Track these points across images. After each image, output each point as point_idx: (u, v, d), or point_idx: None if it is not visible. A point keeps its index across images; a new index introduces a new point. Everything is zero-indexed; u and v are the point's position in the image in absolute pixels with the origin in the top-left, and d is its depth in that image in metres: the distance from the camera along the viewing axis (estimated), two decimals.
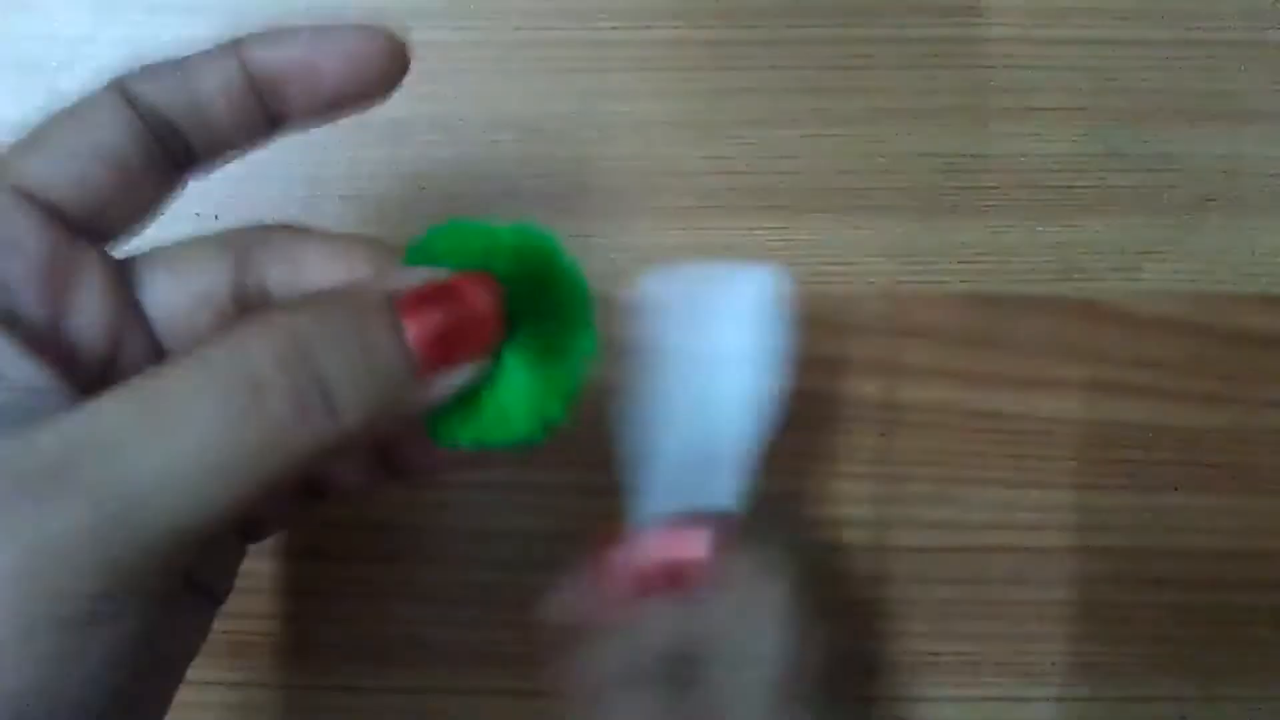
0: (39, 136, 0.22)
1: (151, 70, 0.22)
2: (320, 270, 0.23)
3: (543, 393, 0.22)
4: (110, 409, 0.18)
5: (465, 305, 0.21)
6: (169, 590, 0.19)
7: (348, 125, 0.34)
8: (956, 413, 0.34)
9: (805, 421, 0.34)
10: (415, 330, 0.20)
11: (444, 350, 0.20)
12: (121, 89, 0.22)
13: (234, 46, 0.23)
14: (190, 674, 0.24)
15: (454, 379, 0.21)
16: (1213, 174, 0.34)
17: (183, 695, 0.24)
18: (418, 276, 0.21)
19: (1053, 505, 0.34)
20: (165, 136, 0.22)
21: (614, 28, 0.34)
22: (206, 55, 0.23)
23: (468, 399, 0.21)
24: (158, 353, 0.22)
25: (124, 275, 0.22)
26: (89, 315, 0.21)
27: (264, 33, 0.23)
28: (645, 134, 0.34)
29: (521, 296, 0.22)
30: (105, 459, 0.18)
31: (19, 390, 0.19)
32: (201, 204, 0.33)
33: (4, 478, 0.17)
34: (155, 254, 0.23)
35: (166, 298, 0.22)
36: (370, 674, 0.33)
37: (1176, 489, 0.34)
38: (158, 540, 0.18)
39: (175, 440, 0.18)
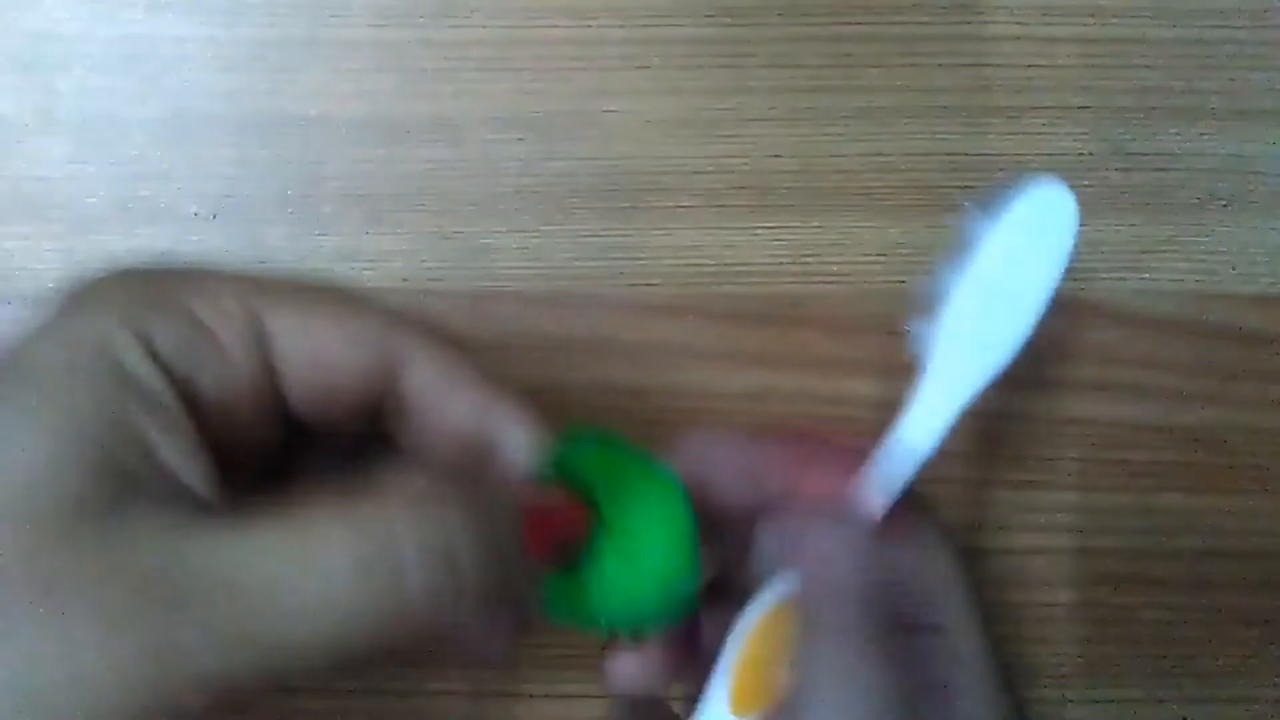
0: (299, 289, 0.23)
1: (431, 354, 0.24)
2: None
3: (654, 588, 0.25)
4: (255, 535, 0.19)
5: (566, 520, 0.24)
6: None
7: (348, 125, 0.34)
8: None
9: (806, 423, 0.34)
10: (532, 538, 0.22)
11: (547, 552, 0.23)
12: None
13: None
14: None
15: (544, 569, 0.24)
16: (1215, 173, 0.34)
17: None
18: (538, 493, 0.24)
19: (1054, 506, 0.34)
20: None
21: (614, 26, 0.34)
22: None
23: (584, 586, 0.25)
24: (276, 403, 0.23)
25: (264, 343, 0.22)
26: (261, 434, 0.23)
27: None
28: (645, 133, 0.34)
29: (628, 515, 0.25)
30: (243, 585, 0.19)
31: (164, 469, 0.20)
32: (200, 203, 0.33)
33: (142, 583, 0.18)
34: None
35: (292, 359, 0.22)
36: (360, 676, 0.33)
37: (1177, 490, 0.34)
38: (262, 671, 0.19)
39: (311, 584, 0.19)
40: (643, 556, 0.25)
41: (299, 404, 0.23)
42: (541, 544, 0.23)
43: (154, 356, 0.20)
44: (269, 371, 0.22)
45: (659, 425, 0.34)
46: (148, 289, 0.21)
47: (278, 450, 0.24)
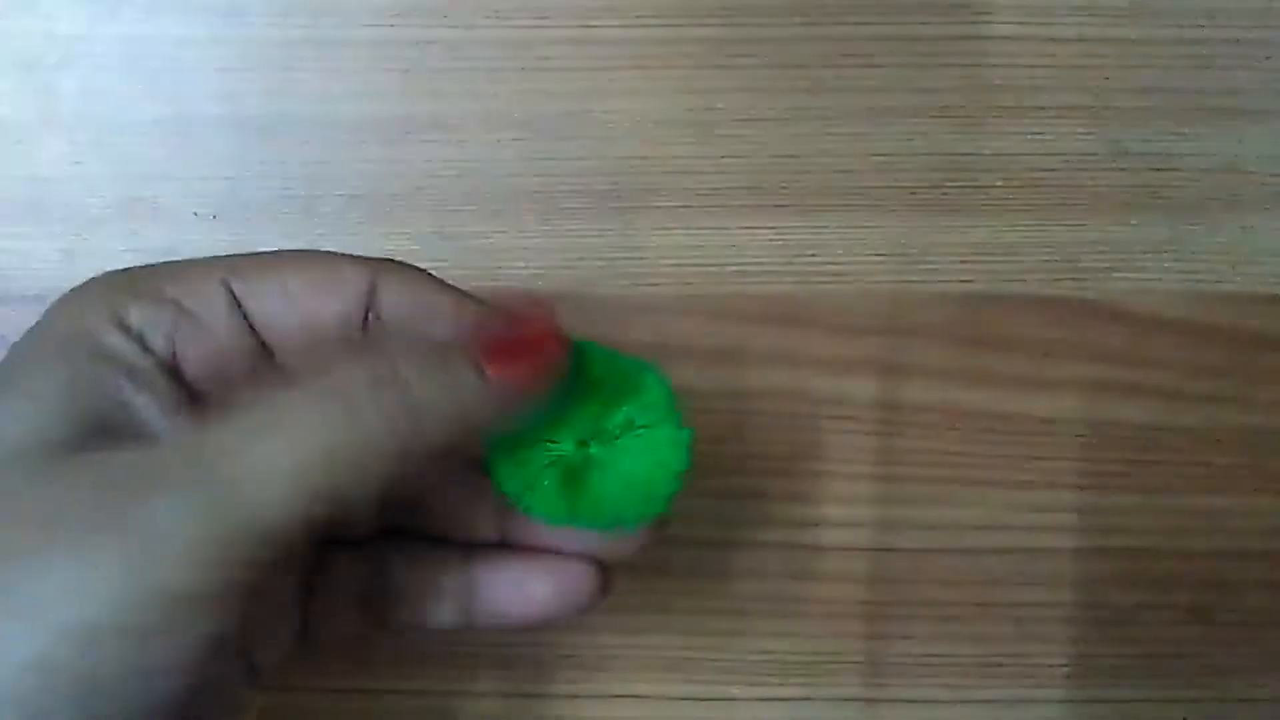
0: (272, 256, 0.25)
1: (407, 283, 0.25)
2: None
3: (637, 489, 0.24)
4: (218, 424, 0.20)
5: (532, 329, 0.23)
6: (246, 613, 0.20)
7: (348, 125, 0.34)
8: (957, 413, 0.34)
9: (805, 423, 0.34)
10: (484, 341, 0.22)
11: (514, 362, 0.23)
12: (373, 283, 0.25)
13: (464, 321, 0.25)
14: None
15: (524, 397, 0.23)
16: (1214, 173, 0.34)
17: None
18: (491, 313, 0.24)
19: (1054, 506, 0.34)
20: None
21: (614, 26, 0.34)
22: (455, 309, 0.25)
23: (571, 485, 0.24)
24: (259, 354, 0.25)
25: (237, 300, 0.24)
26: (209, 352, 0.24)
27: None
28: (645, 133, 0.34)
29: (619, 406, 0.25)
30: (210, 459, 0.20)
31: (146, 425, 0.22)
32: (200, 204, 0.33)
33: (124, 482, 0.20)
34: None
35: (277, 320, 0.24)
36: (362, 676, 0.33)
37: (1178, 490, 0.34)
38: (252, 535, 0.19)
39: (275, 441, 0.20)
40: (639, 454, 0.25)
41: (291, 358, 0.24)
42: (513, 367, 0.23)
43: (128, 331, 0.23)
44: (251, 334, 0.24)
45: None
46: (128, 284, 0.23)
47: None
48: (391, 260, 0.25)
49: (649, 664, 0.34)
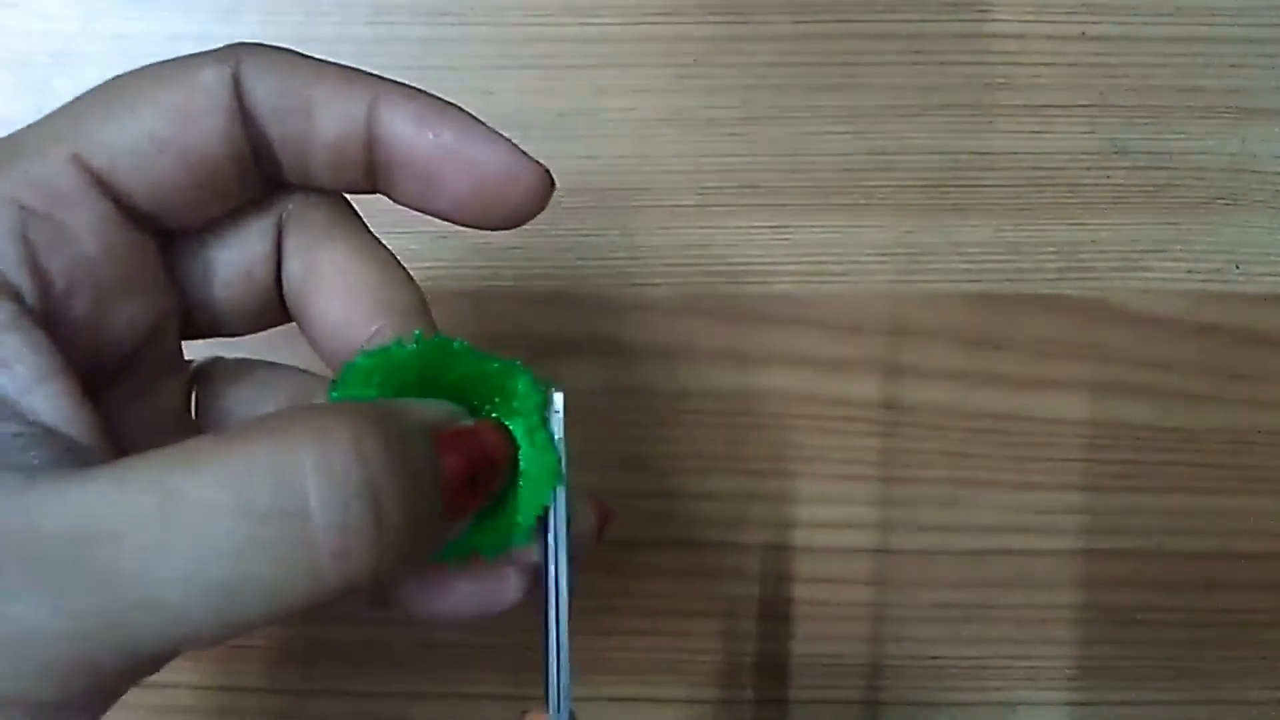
0: (119, 102, 0.18)
1: (275, 66, 0.19)
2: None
3: (527, 499, 0.21)
4: (124, 498, 0.15)
5: (491, 454, 0.19)
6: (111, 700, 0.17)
7: None
8: (960, 414, 0.34)
9: (806, 423, 0.34)
10: (449, 475, 0.18)
11: (469, 496, 0.19)
12: (235, 77, 0.19)
13: (372, 92, 0.20)
14: (181, 678, 0.24)
15: (465, 522, 0.19)
16: (1219, 172, 0.34)
17: (175, 699, 0.23)
18: (448, 415, 0.19)
19: (1057, 507, 0.34)
20: (261, 153, 0.20)
21: (613, 24, 0.34)
22: (339, 86, 0.19)
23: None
24: (185, 327, 0.20)
25: (100, 179, 0.19)
26: (131, 316, 0.19)
27: (407, 93, 0.20)
28: (644, 131, 0.34)
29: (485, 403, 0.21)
30: (97, 558, 0.15)
31: (36, 431, 0.17)
32: None
33: None
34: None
35: (205, 273, 0.20)
36: (362, 677, 0.33)
37: (1178, 490, 0.34)
38: (128, 658, 0.16)
39: (182, 554, 0.15)
40: (535, 465, 0.21)
41: (172, 218, 0.20)
42: (476, 485, 0.19)
43: None
44: (120, 216, 0.19)
45: (659, 425, 0.33)
46: None
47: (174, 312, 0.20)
48: (251, 47, 0.20)
49: (648, 665, 0.34)
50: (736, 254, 0.34)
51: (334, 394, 0.19)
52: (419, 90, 0.20)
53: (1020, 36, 0.34)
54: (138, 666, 0.16)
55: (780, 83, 0.34)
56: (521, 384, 0.21)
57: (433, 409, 0.19)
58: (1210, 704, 0.34)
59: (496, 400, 0.21)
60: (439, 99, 0.20)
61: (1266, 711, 0.34)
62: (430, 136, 0.20)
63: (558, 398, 0.21)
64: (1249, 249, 0.34)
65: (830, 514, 0.34)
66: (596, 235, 0.33)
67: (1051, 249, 0.34)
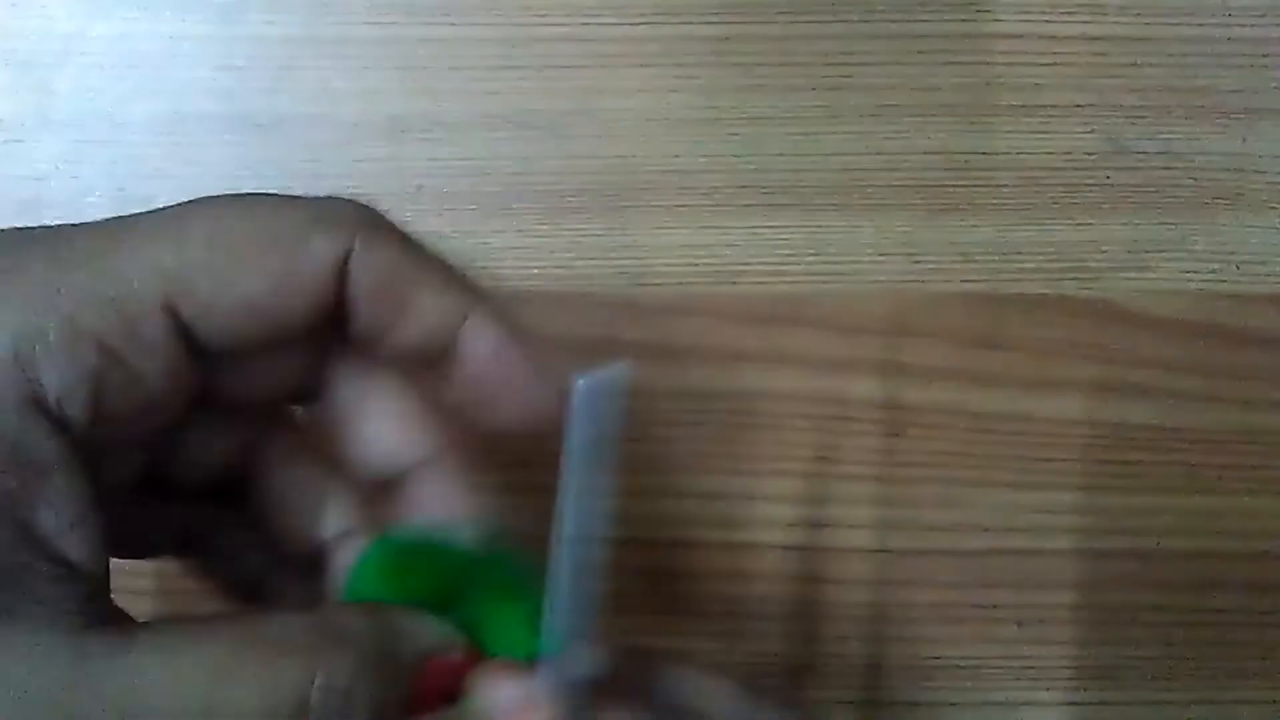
0: (228, 257, 0.19)
1: (385, 253, 0.21)
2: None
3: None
4: (157, 675, 0.18)
5: (460, 681, 0.21)
6: None
7: (346, 123, 0.33)
8: (960, 414, 0.34)
9: (806, 423, 0.34)
10: (422, 697, 0.20)
11: (429, 707, 0.21)
12: (345, 256, 0.20)
13: (465, 308, 0.21)
14: None
15: None
16: (1220, 172, 0.34)
17: None
18: (440, 643, 0.21)
19: (1057, 508, 0.34)
20: (342, 319, 0.21)
21: (614, 24, 0.34)
22: (438, 292, 0.21)
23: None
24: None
25: (188, 332, 0.19)
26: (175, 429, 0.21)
27: (495, 315, 0.21)
28: (645, 132, 0.34)
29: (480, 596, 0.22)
30: None
31: (62, 572, 0.18)
32: None
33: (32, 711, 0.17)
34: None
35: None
36: None
37: (1179, 490, 0.34)
38: None
39: None
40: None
41: (239, 376, 0.21)
42: (431, 694, 0.21)
43: (48, 415, 0.18)
44: (193, 370, 0.20)
45: (659, 425, 0.33)
46: (45, 321, 0.18)
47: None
48: (369, 219, 0.21)
49: None
50: (736, 254, 0.34)
51: (348, 589, 0.22)
52: (504, 309, 0.21)
53: (1020, 36, 0.34)
54: None
55: (780, 83, 0.34)
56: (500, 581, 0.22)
57: (430, 636, 0.21)
58: (1210, 704, 0.34)
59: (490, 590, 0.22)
60: (520, 329, 0.22)
61: (1266, 711, 0.34)
62: (502, 368, 0.21)
63: (580, 385, 0.19)
64: (1249, 249, 0.34)
65: (830, 514, 0.34)
66: (596, 235, 0.33)
67: (1051, 249, 0.34)
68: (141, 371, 0.18)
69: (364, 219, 0.20)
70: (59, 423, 0.18)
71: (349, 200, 0.21)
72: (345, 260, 0.20)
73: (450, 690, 0.21)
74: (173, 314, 0.19)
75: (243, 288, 0.19)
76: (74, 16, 0.33)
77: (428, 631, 0.21)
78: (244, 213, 0.20)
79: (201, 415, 0.21)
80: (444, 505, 0.22)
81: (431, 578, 0.22)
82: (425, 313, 0.21)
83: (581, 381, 0.18)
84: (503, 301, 0.21)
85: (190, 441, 0.22)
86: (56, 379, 0.18)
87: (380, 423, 0.22)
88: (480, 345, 0.21)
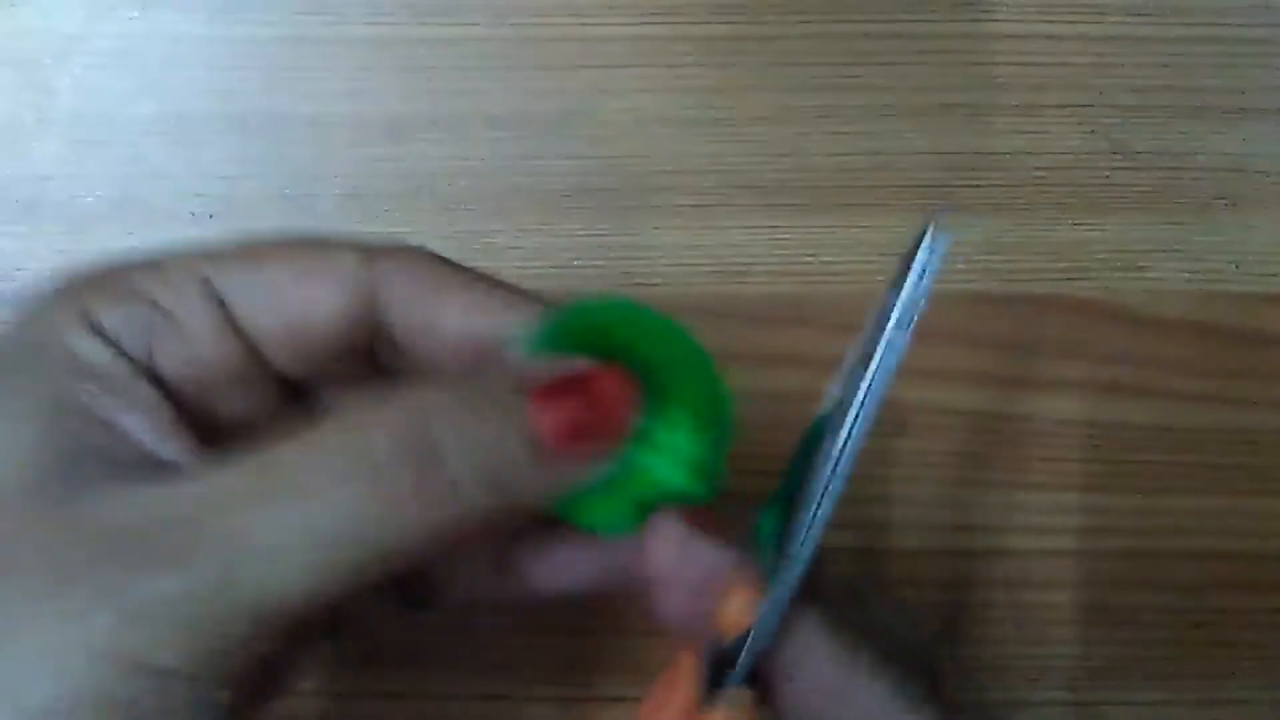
0: (259, 257, 0.22)
1: (412, 271, 0.22)
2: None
3: (678, 476, 0.22)
4: (218, 477, 0.18)
5: (599, 398, 0.20)
6: (242, 677, 0.19)
7: (346, 123, 0.33)
8: (959, 414, 0.34)
9: (806, 423, 0.34)
10: (546, 419, 0.20)
11: (574, 440, 0.20)
12: (371, 266, 0.22)
13: (497, 310, 0.22)
14: None
15: (583, 469, 0.21)
16: (1221, 172, 0.34)
17: None
18: (551, 368, 0.21)
19: (1058, 508, 0.34)
20: (377, 335, 0.23)
21: (614, 24, 0.34)
22: (466, 302, 0.22)
23: (600, 483, 0.21)
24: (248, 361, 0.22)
25: (219, 297, 0.22)
26: (245, 406, 0.22)
27: (530, 308, 0.22)
28: (645, 132, 0.34)
29: (651, 378, 0.22)
30: (210, 526, 0.18)
31: (134, 446, 0.20)
32: (198, 202, 0.33)
33: (102, 538, 0.17)
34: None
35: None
36: (357, 679, 0.33)
37: (1179, 490, 0.34)
38: (254, 615, 0.18)
39: (286, 512, 0.18)
40: (683, 432, 0.22)
41: (282, 361, 0.22)
42: (576, 443, 0.20)
43: (103, 335, 0.20)
44: (236, 336, 0.21)
45: None
46: (101, 282, 0.21)
47: (279, 414, 0.23)
48: (397, 247, 0.23)
49: (647, 665, 0.34)
50: (736, 254, 0.34)
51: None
52: (539, 302, 0.22)
53: (1021, 36, 0.34)
54: (260, 629, 0.18)
55: (780, 83, 0.34)
56: (677, 347, 0.22)
57: (540, 366, 0.21)
58: (1210, 704, 0.34)
59: (661, 376, 0.22)
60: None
61: (1265, 711, 0.34)
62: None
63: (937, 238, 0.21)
64: (1249, 249, 0.34)
65: (830, 515, 0.34)
66: (596, 235, 0.33)
67: (1051, 249, 0.34)
68: (186, 324, 0.21)
69: (390, 248, 0.22)
70: (116, 346, 0.20)
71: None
72: (372, 273, 0.22)
73: (594, 427, 0.20)
74: (210, 289, 0.21)
75: (270, 271, 0.22)
76: (74, 17, 0.33)
77: (533, 364, 0.21)
78: (277, 237, 0.22)
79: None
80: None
81: (607, 342, 0.21)
82: (457, 323, 0.22)
83: (938, 236, 0.20)
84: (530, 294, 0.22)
85: None
86: (113, 319, 0.20)
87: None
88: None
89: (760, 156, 0.34)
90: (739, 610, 0.22)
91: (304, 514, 0.18)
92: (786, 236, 0.34)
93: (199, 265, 0.21)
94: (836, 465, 0.22)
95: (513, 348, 0.21)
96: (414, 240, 0.33)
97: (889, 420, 0.34)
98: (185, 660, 0.17)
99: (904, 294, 0.20)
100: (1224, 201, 0.34)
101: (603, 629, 0.34)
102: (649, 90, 0.34)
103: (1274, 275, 0.34)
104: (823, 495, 0.22)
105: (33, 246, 0.33)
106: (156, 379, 0.21)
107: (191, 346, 0.21)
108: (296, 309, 0.22)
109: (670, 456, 0.22)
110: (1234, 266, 0.34)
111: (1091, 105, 0.34)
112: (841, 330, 0.34)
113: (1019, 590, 0.34)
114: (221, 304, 0.21)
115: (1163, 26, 0.34)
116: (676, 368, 0.22)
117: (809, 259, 0.34)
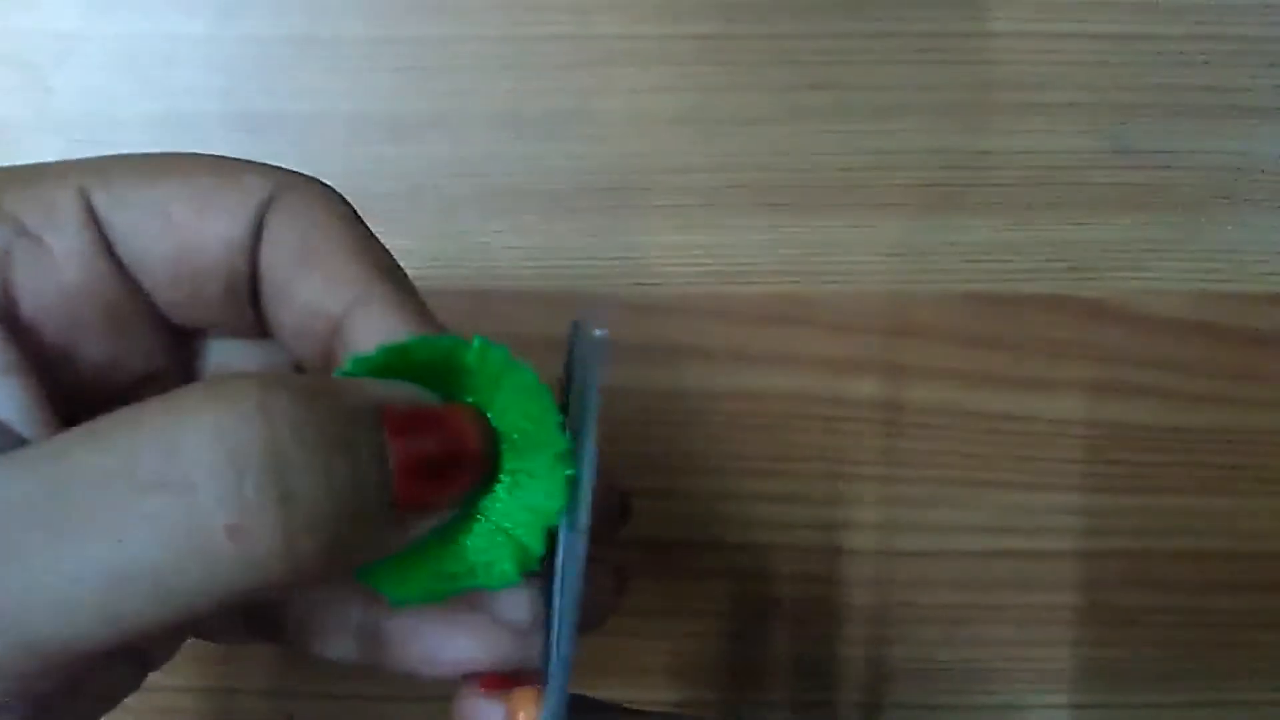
0: (150, 165, 0.19)
1: (304, 217, 0.19)
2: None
3: (516, 533, 0.18)
4: (22, 474, 0.15)
5: (456, 438, 0.17)
6: (64, 686, 0.16)
7: (345, 123, 0.33)
8: (960, 414, 0.34)
9: (806, 423, 0.34)
10: (402, 457, 0.16)
11: (428, 487, 0.16)
12: (270, 200, 0.19)
13: (356, 294, 0.18)
14: (175, 680, 0.24)
15: (424, 525, 0.17)
16: (1220, 171, 0.34)
17: (167, 701, 0.23)
18: (407, 395, 0.17)
19: (1058, 508, 0.34)
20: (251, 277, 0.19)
21: (614, 24, 0.34)
22: (330, 276, 0.18)
23: (418, 555, 0.18)
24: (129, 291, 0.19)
25: (96, 218, 0.18)
26: (118, 353, 0.19)
27: (388, 306, 0.18)
28: (644, 131, 0.34)
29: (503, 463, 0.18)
30: (4, 539, 0.14)
31: None
32: None
33: None
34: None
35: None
36: (354, 679, 0.33)
37: (1179, 490, 0.34)
38: (43, 652, 0.14)
39: (79, 545, 0.14)
40: (513, 502, 0.18)
41: (166, 299, 0.19)
42: (437, 472, 0.17)
43: None
44: (112, 263, 0.18)
45: (659, 425, 0.33)
46: None
47: (158, 375, 0.19)
48: (304, 177, 0.19)
49: (648, 665, 0.34)
50: (736, 254, 0.34)
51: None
52: (406, 298, 0.19)
53: (1020, 36, 0.34)
54: (50, 670, 0.15)
55: (780, 83, 0.34)
56: (526, 393, 0.18)
57: (389, 388, 0.17)
58: (1210, 704, 0.34)
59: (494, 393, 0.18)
60: (423, 313, 0.19)
61: (1266, 712, 0.34)
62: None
63: (594, 333, 0.17)
64: (1249, 249, 0.34)
65: (830, 514, 0.34)
66: (596, 235, 0.33)
67: (1051, 249, 0.34)
68: (53, 249, 0.18)
69: (296, 180, 0.19)
70: None
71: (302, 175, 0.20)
72: (266, 203, 0.19)
73: (451, 474, 0.17)
74: (84, 199, 0.18)
75: (162, 196, 0.18)
76: (74, 16, 0.33)
77: (386, 387, 0.17)
78: (167, 154, 0.19)
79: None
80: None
81: (432, 376, 0.18)
82: (307, 299, 0.18)
83: (595, 331, 0.17)
84: (406, 286, 0.19)
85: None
86: None
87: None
88: (364, 336, 0.18)
89: (760, 156, 0.34)
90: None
91: (101, 553, 0.14)
92: (786, 236, 0.34)
93: (79, 178, 0.18)
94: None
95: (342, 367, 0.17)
96: (414, 240, 0.33)
97: (889, 420, 0.34)
98: None
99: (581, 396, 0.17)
100: (1224, 201, 0.34)
101: (601, 629, 0.34)
102: (649, 90, 0.34)
103: (1274, 275, 0.34)
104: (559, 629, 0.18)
105: None
106: (10, 310, 0.17)
107: (58, 274, 0.17)
108: (189, 236, 0.18)
109: (484, 534, 0.18)
110: (1234, 266, 0.34)
111: (1091, 105, 0.34)
112: (842, 330, 0.34)
113: (1019, 591, 0.34)
114: (99, 224, 0.18)
115: (1162, 25, 0.34)
116: (523, 442, 0.18)
117: (809, 259, 0.34)
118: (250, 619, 0.20)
